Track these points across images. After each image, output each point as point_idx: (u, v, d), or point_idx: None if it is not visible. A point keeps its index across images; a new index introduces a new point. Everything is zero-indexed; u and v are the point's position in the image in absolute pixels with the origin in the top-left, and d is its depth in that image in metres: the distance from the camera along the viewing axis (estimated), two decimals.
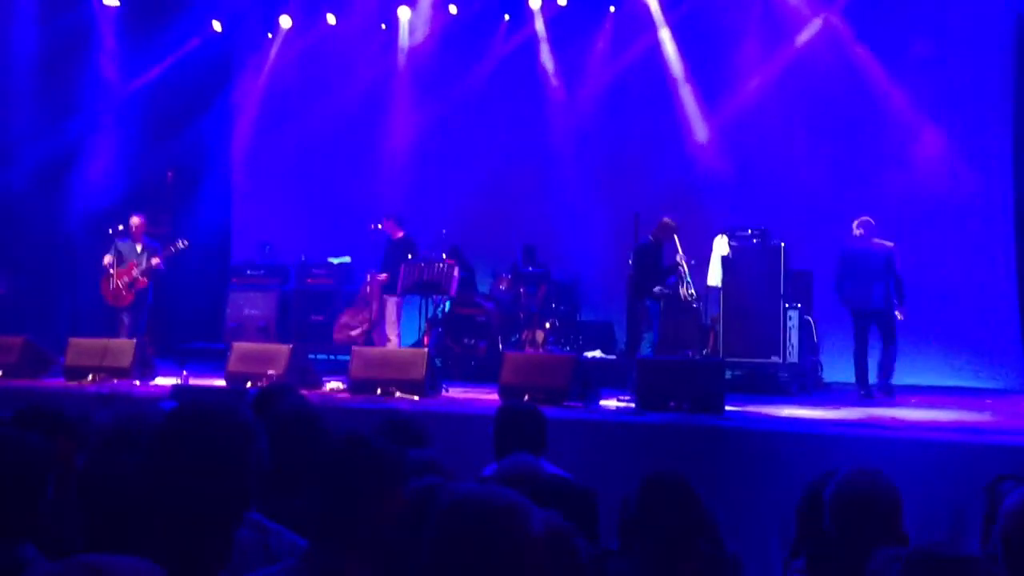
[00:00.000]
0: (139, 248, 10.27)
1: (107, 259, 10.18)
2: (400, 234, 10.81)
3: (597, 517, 3.49)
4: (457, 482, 2.63)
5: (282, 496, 2.88)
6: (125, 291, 10.13)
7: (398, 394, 8.03)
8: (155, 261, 10.18)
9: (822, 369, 10.55)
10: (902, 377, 10.50)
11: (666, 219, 9.67)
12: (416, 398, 7.97)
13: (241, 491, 2.07)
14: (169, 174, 11.78)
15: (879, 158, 11.36)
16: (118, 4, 12.98)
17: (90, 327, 10.85)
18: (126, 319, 10.21)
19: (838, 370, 10.65)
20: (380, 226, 10.90)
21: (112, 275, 10.14)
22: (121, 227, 10.40)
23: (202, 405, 2.15)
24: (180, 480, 1.99)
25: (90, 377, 8.84)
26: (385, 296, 10.65)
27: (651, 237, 9.65)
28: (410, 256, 10.37)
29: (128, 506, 2.24)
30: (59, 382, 8.99)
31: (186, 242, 10.39)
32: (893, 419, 7.25)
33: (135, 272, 10.15)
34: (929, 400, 8.91)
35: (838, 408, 8.09)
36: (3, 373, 9.08)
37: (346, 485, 2.13)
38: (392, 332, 10.52)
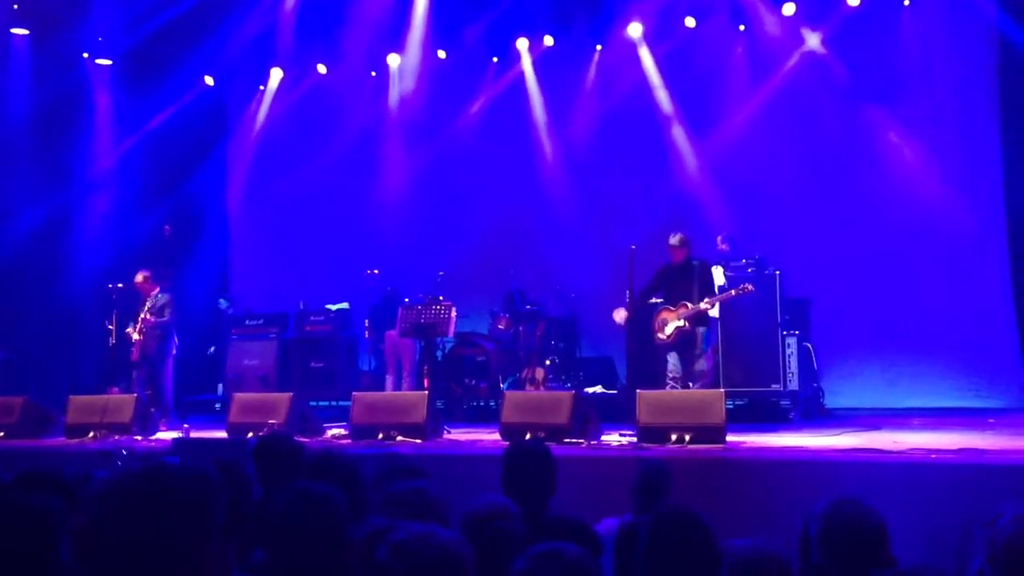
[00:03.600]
0: (148, 304, 10.24)
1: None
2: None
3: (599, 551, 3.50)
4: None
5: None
6: (134, 348, 10.14)
7: (400, 438, 8.01)
8: (143, 318, 10.13)
9: (824, 395, 10.53)
10: (905, 399, 10.53)
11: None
12: (418, 441, 7.95)
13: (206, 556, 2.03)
14: (167, 228, 11.84)
15: (870, 183, 11.45)
16: (111, 63, 13.16)
17: (92, 385, 10.87)
18: (134, 374, 10.24)
19: (840, 396, 10.66)
20: (376, 271, 10.93)
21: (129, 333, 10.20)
22: (121, 284, 10.43)
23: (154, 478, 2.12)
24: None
25: (91, 434, 8.81)
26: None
27: (690, 256, 9.01)
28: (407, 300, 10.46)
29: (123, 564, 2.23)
30: (60, 440, 8.97)
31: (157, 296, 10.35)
32: (895, 443, 7.22)
33: (135, 329, 10.15)
34: (931, 422, 8.88)
35: (841, 434, 8.06)
36: (4, 433, 9.06)
37: (292, 536, 2.14)
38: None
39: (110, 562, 1.84)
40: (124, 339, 10.25)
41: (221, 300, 11.51)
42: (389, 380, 10.52)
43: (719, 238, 10.23)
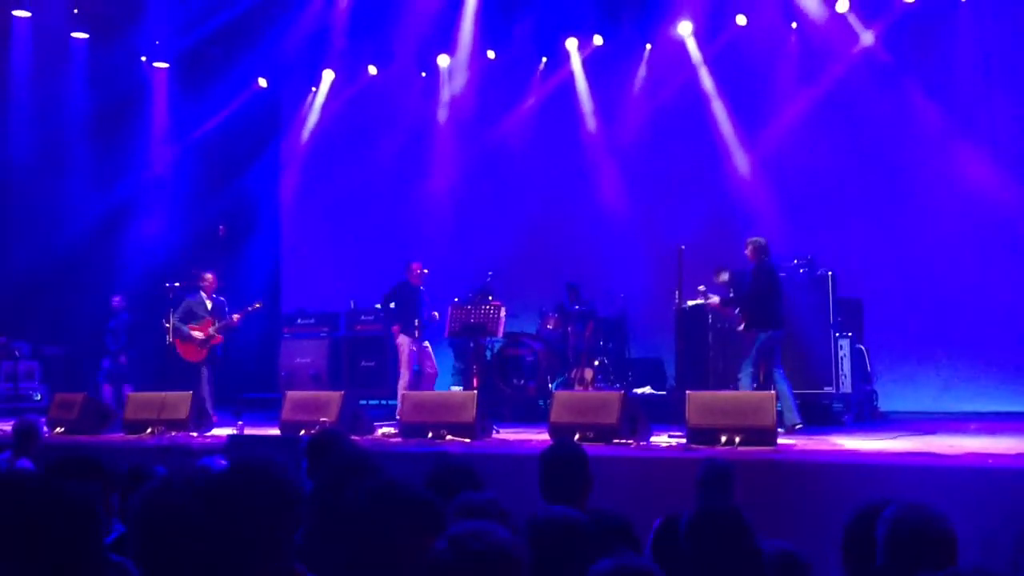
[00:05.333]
0: (208, 304, 10.42)
1: (177, 316, 10.32)
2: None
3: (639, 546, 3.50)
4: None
5: (330, 544, 2.93)
6: (201, 346, 10.29)
7: (449, 437, 8.07)
8: (236, 318, 10.43)
9: (877, 398, 10.38)
10: (961, 404, 10.33)
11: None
12: (467, 440, 8.00)
13: (286, 547, 2.09)
14: (221, 228, 12.04)
15: (924, 182, 11.26)
16: (167, 66, 13.42)
17: (148, 381, 11.10)
18: (205, 372, 10.36)
19: (895, 399, 10.50)
20: (427, 271, 10.88)
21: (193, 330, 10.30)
22: (177, 283, 10.62)
23: (256, 464, 2.18)
24: (228, 533, 2.02)
25: (149, 430, 9.01)
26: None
27: (759, 258, 9.00)
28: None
29: (180, 551, 2.29)
30: (119, 436, 9.18)
31: (260, 303, 10.73)
32: (951, 447, 7.11)
33: (211, 329, 10.32)
34: (989, 427, 8.72)
35: (895, 437, 7.94)
36: (65, 429, 9.31)
37: (376, 534, 2.15)
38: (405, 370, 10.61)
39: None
40: (189, 337, 10.33)
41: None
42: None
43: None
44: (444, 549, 1.93)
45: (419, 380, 10.44)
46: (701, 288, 9.35)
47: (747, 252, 9.03)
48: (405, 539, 2.17)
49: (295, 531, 2.12)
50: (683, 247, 9.63)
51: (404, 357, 10.47)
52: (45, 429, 9.31)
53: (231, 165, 13.89)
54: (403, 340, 10.46)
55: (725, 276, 9.76)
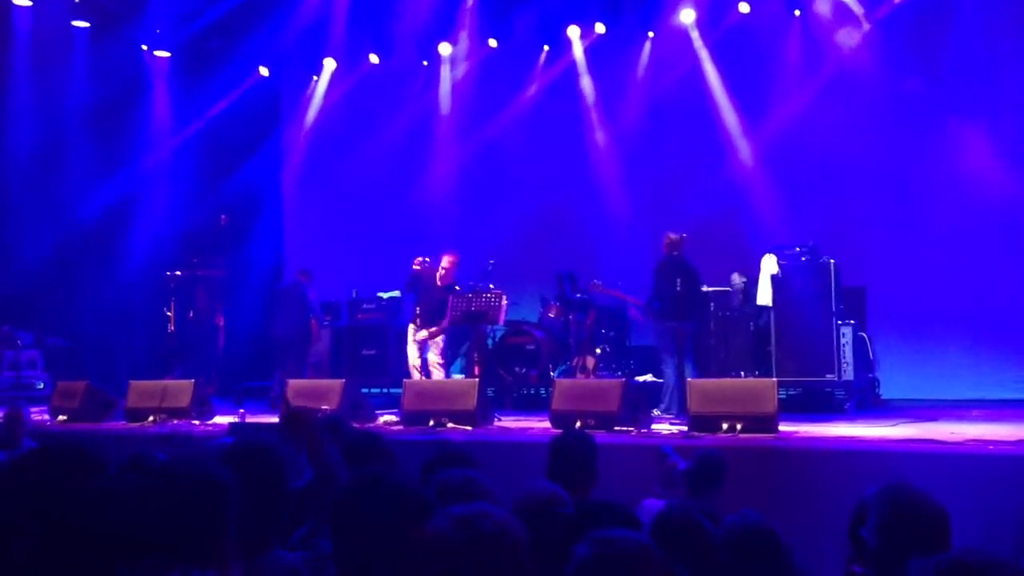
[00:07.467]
0: None
1: None
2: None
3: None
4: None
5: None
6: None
7: (450, 425, 8.08)
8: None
9: (879, 386, 10.37)
10: (963, 391, 10.33)
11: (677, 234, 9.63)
12: (469, 428, 8.01)
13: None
14: (223, 217, 12.03)
15: (926, 169, 11.23)
16: (169, 55, 13.40)
17: (150, 371, 11.12)
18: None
19: (897, 387, 10.50)
20: (428, 259, 10.82)
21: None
22: (179, 272, 10.68)
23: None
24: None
25: (150, 418, 9.03)
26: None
27: (675, 254, 9.54)
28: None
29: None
30: (121, 424, 9.20)
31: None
32: (953, 434, 7.10)
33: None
34: (990, 414, 8.71)
35: (896, 424, 7.94)
36: (67, 417, 9.33)
37: (359, 522, 2.16)
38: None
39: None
40: (190, 326, 10.61)
41: None
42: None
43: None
44: (451, 529, 1.92)
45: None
46: (596, 282, 10.63)
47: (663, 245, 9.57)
48: (391, 527, 2.18)
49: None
50: (685, 235, 9.64)
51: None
52: (47, 417, 9.37)
53: (233, 154, 13.87)
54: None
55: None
